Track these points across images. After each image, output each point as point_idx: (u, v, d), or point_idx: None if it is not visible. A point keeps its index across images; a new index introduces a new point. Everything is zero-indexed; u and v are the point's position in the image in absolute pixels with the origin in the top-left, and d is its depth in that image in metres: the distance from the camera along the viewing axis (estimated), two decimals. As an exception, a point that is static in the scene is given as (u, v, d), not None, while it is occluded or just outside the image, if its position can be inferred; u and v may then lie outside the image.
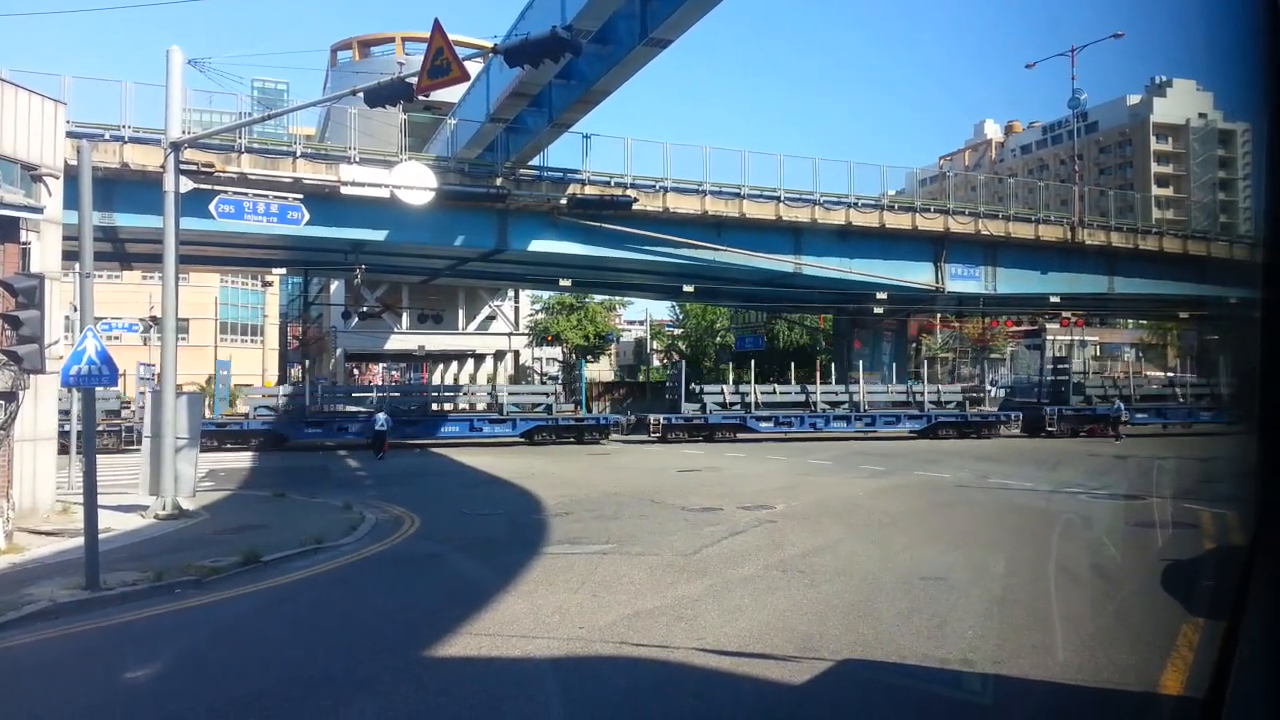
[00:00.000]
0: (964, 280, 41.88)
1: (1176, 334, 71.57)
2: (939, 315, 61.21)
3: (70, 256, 16.89)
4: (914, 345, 61.48)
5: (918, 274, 41.00)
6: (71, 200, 14.72)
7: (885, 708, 6.90)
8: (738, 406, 40.34)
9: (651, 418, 39.99)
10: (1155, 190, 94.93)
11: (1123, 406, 41.41)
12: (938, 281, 41.24)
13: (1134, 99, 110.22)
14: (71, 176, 15.14)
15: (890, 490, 20.46)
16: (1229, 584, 2.65)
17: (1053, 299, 45.58)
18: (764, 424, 40.00)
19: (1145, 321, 75.82)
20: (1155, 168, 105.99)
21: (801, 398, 41.83)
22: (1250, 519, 2.53)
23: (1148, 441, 37.99)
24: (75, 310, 18.06)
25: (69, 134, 19.14)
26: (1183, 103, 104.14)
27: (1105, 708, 6.55)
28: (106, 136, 27.71)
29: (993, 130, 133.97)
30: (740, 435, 39.46)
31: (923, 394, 42.37)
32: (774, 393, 42.41)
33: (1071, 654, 7.69)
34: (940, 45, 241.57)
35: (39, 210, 15.63)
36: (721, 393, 41.11)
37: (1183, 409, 43.80)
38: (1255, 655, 2.36)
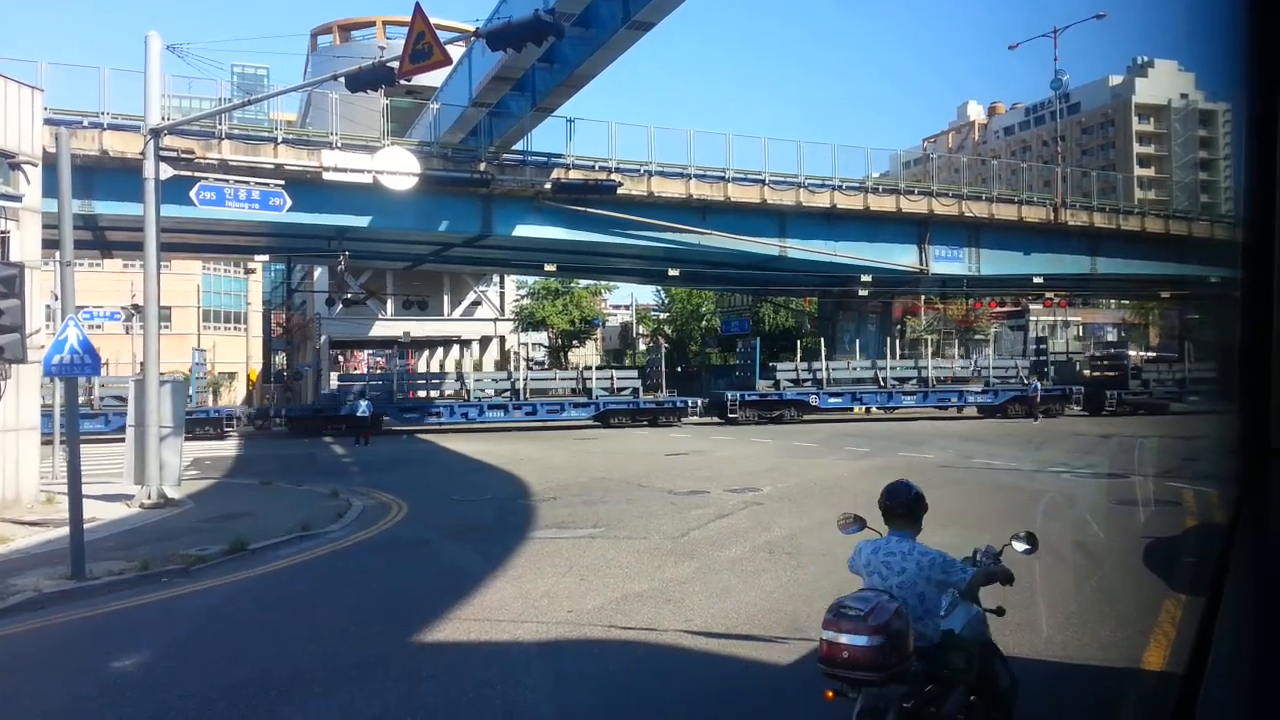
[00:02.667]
0: (948, 262, 42.05)
1: (1159, 314, 72.03)
2: (923, 297, 61.38)
3: (50, 245, 16.77)
4: (899, 327, 61.63)
5: (902, 256, 41.15)
6: (50, 188, 14.59)
7: (872, 687, 6.94)
8: (381, 395, 37.57)
9: (273, 411, 39.09)
10: (1137, 171, 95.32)
11: (1039, 386, 40.87)
12: (922, 263, 41.39)
13: (1116, 80, 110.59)
14: (50, 164, 15.00)
15: (875, 471, 20.54)
16: (1210, 560, 2.68)
17: (1036, 280, 45.82)
18: (408, 414, 37.83)
19: (1128, 302, 76.28)
20: (1137, 148, 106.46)
21: (456, 384, 39.92)
22: (1231, 496, 2.55)
23: (840, 425, 38.26)
24: (56, 299, 17.94)
25: (47, 121, 18.95)
26: (1164, 83, 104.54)
27: (1088, 684, 6.62)
28: (85, 123, 27.45)
29: (976, 111, 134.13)
30: (384, 429, 36.95)
31: (592, 381, 40.19)
32: (424, 382, 40.49)
33: (1055, 631, 7.76)
34: (923, 26, 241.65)
35: (17, 199, 15.49)
36: (364, 384, 38.99)
37: (884, 391, 41.64)
38: (1234, 630, 2.39)
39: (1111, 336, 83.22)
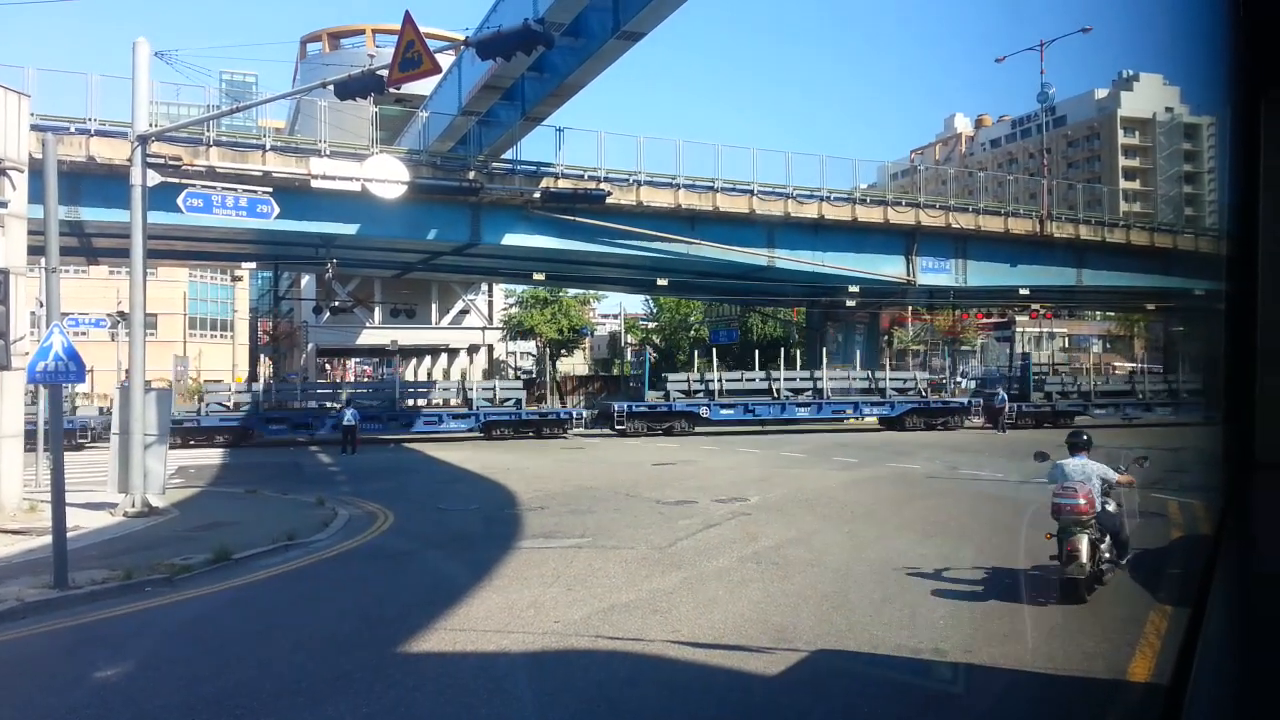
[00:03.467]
0: (935, 273, 42.17)
1: (1144, 326, 72.47)
2: (910, 308, 61.56)
3: (36, 251, 16.65)
4: (886, 338, 61.80)
5: (889, 267, 41.26)
6: (36, 194, 14.50)
7: (858, 698, 6.95)
8: (248, 406, 35.52)
9: None
10: (1123, 183, 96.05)
11: (1005, 396, 40.47)
12: (909, 274, 41.51)
13: (1102, 93, 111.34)
14: (36, 170, 14.92)
15: (863, 482, 20.59)
16: (1195, 572, 2.69)
17: (1022, 291, 45.92)
18: (274, 426, 35.45)
19: (1113, 313, 76.72)
20: (1123, 161, 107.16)
21: (329, 394, 37.32)
22: (1216, 508, 2.57)
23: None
24: (41, 306, 17.81)
25: (33, 127, 18.86)
26: (1149, 97, 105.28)
27: (1074, 695, 6.63)
28: (72, 129, 27.32)
29: (963, 124, 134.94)
30: (257, 441, 35.15)
31: (473, 392, 38.59)
32: (298, 392, 38.15)
33: (1041, 642, 7.79)
34: (911, 39, 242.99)
35: (3, 204, 15.39)
36: (228, 392, 37.00)
37: (777, 402, 39.94)
38: (1218, 642, 2.40)
39: (1097, 348, 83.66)
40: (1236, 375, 2.31)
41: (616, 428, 37.94)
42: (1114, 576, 9.32)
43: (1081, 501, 8.96)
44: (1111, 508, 9.43)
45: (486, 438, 37.08)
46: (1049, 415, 42.10)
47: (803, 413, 40.59)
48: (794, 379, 41.45)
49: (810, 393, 41.09)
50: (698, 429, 38.91)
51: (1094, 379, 46.28)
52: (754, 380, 41.47)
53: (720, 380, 40.44)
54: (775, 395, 40.39)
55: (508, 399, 39.02)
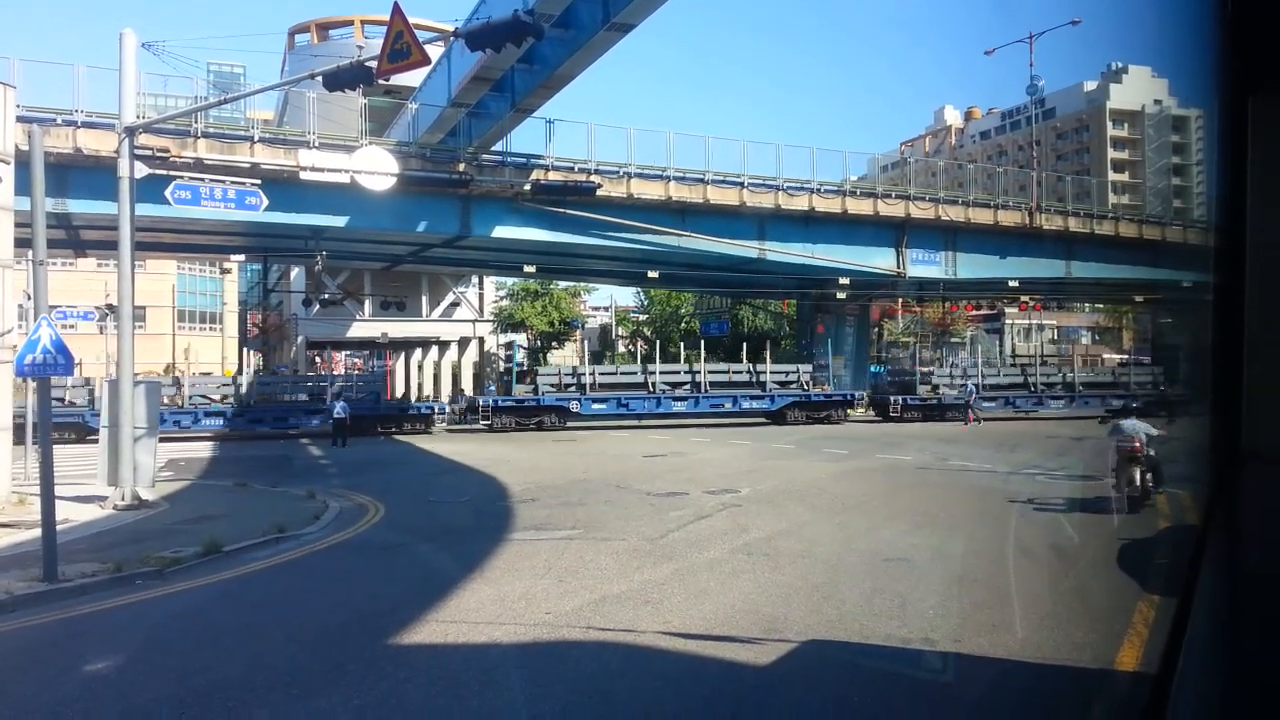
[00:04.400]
0: (925, 265, 42.31)
1: (1132, 317, 72.76)
2: (901, 300, 61.69)
3: (23, 244, 16.56)
4: (876, 330, 61.91)
5: (880, 259, 41.38)
6: (23, 186, 14.41)
7: (849, 687, 6.98)
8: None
9: None
10: (1111, 176, 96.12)
11: (974, 390, 40.18)
12: (899, 266, 41.64)
13: (1091, 85, 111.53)
14: (23, 162, 14.82)
15: (853, 473, 20.65)
16: (1182, 562, 2.71)
17: (1011, 283, 46.11)
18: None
19: (1102, 305, 77.03)
20: (1111, 153, 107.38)
21: (173, 390, 35.29)
22: (1203, 498, 2.59)
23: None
24: (29, 299, 17.68)
25: (19, 118, 18.72)
26: (1138, 89, 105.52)
27: (1062, 684, 6.68)
28: (59, 121, 27.19)
29: (953, 116, 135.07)
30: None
31: (325, 384, 37.70)
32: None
33: (1030, 632, 7.83)
34: (902, 31, 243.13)
35: (-11, 196, 15.29)
36: (64, 388, 34.52)
37: (652, 396, 39.04)
38: (1205, 631, 2.42)
39: (1086, 340, 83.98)
40: (1224, 367, 2.33)
41: (483, 422, 37.16)
42: (1154, 498, 13.40)
43: (1137, 445, 13.55)
44: (1152, 452, 13.64)
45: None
46: (935, 409, 41.58)
47: (679, 406, 39.58)
48: (674, 372, 40.44)
49: (688, 386, 40.05)
50: (569, 424, 38.03)
51: (981, 372, 45.43)
52: (631, 374, 40.85)
53: (593, 374, 39.71)
54: (650, 389, 39.42)
55: (363, 395, 38.03)
